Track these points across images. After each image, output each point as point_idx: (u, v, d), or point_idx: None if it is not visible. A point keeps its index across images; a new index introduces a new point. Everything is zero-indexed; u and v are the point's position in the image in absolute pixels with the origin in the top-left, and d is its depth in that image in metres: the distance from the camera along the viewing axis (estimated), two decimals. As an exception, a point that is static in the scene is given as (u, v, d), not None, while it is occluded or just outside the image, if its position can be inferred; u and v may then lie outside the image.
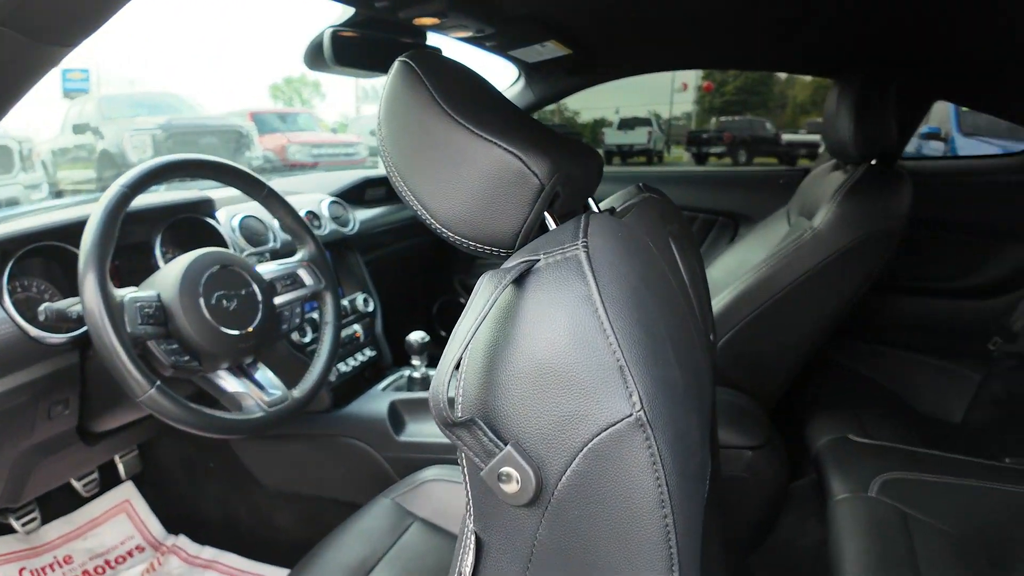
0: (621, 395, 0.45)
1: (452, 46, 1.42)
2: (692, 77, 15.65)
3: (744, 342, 1.53)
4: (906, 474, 1.26)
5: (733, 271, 1.68)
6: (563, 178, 0.58)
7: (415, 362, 1.58)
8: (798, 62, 1.93)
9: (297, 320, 1.25)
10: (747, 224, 2.20)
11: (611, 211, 0.74)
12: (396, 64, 0.61)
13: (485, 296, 0.47)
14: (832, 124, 1.50)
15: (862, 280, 1.46)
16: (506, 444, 0.46)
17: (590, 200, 0.72)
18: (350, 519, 1.13)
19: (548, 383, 0.46)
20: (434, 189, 0.58)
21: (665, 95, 16.05)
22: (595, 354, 0.45)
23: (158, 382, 0.91)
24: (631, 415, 0.44)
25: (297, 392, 1.14)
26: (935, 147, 5.15)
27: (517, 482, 0.46)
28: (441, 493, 1.16)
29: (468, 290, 2.36)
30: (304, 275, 1.25)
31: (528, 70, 1.98)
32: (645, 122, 13.87)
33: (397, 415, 1.48)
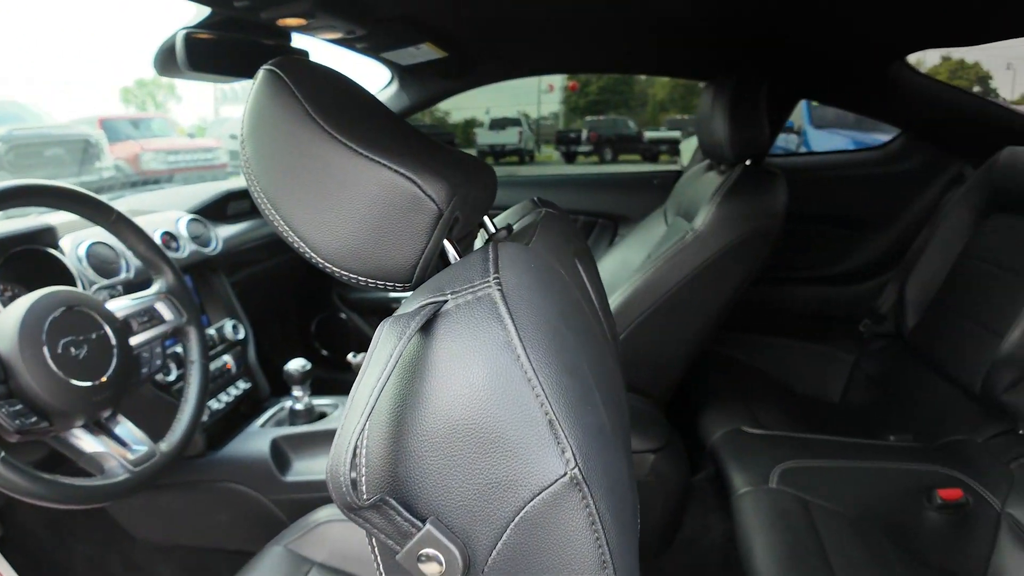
0: (552, 453, 0.40)
1: (319, 48, 1.32)
2: (558, 79, 16.01)
3: (635, 345, 1.53)
4: (802, 462, 1.30)
5: (617, 273, 1.69)
6: (461, 201, 0.52)
7: (297, 392, 1.45)
8: (672, 66, 1.97)
9: (159, 361, 1.12)
10: (626, 224, 2.24)
11: (508, 229, 0.68)
12: (260, 73, 0.53)
13: (388, 349, 0.41)
14: (707, 128, 1.54)
15: (744, 277, 1.50)
16: (424, 522, 0.40)
17: (485, 219, 0.66)
18: (240, 572, 1.02)
19: (468, 446, 0.40)
20: (312, 218, 0.51)
21: (533, 96, 16.35)
22: (520, 408, 0.40)
23: (2, 453, 0.80)
24: (565, 474, 0.40)
25: (165, 445, 1.02)
26: (790, 139, 5.54)
27: (440, 563, 0.40)
28: (338, 534, 1.07)
29: (348, 304, 2.24)
30: (163, 309, 1.12)
31: (402, 73, 1.90)
32: (515, 122, 14.06)
33: (281, 453, 1.36)
